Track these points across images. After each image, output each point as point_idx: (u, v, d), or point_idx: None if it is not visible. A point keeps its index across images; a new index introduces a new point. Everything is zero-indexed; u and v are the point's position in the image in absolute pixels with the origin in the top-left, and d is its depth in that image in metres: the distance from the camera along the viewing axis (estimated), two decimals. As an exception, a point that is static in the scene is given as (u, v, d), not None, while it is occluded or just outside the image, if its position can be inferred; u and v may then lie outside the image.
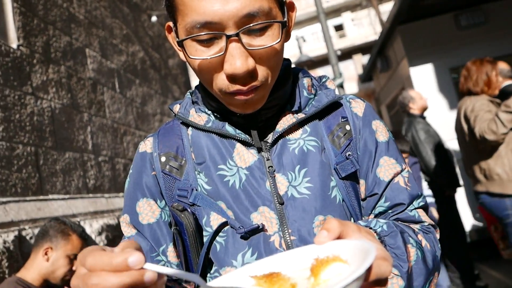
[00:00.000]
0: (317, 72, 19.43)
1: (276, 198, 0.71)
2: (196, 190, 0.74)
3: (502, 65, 2.90)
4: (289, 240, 0.69)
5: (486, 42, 6.31)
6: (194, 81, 9.26)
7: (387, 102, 9.56)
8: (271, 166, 0.73)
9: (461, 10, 6.48)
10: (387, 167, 0.77)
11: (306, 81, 0.81)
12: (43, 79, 3.11)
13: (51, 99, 3.16)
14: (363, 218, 0.76)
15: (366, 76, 10.76)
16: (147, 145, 0.83)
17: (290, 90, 0.79)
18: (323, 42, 15.61)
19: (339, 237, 0.47)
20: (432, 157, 3.48)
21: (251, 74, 0.65)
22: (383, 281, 0.55)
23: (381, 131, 0.80)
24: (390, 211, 0.76)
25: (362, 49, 19.09)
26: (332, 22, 19.60)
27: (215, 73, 0.66)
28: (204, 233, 0.73)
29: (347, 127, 0.78)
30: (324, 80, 0.84)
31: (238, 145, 0.75)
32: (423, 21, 6.65)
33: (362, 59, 18.83)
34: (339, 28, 20.28)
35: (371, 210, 0.77)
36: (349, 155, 0.75)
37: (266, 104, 0.73)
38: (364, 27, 19.56)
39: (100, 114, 3.86)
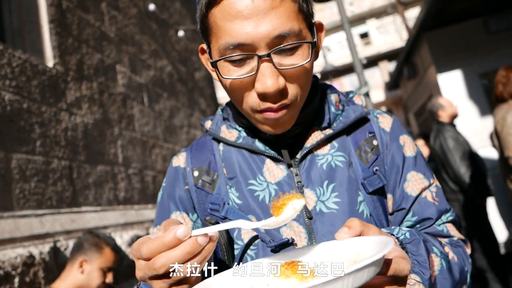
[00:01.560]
0: (342, 81, 19.25)
1: (305, 213, 0.72)
2: (228, 204, 0.77)
3: None
4: None
5: (518, 47, 6.11)
6: (220, 93, 9.38)
7: (415, 109, 9.37)
8: (300, 181, 0.75)
9: (490, 14, 6.32)
10: (415, 182, 0.77)
11: (333, 97, 0.83)
12: (77, 95, 3.24)
13: (84, 115, 3.29)
14: None
15: (393, 84, 10.61)
16: (180, 160, 0.86)
17: (318, 106, 0.81)
18: (348, 51, 15.50)
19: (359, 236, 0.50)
20: (461, 165, 3.40)
21: (282, 93, 0.67)
22: (402, 279, 0.56)
23: (409, 146, 0.81)
24: (417, 225, 0.76)
25: (388, 56, 18.84)
26: (357, 30, 19.48)
27: (246, 91, 0.68)
28: (236, 246, 0.75)
29: (375, 142, 0.79)
30: (351, 95, 0.86)
31: (268, 160, 0.77)
32: (451, 27, 6.52)
33: (388, 66, 18.57)
34: (364, 36, 20.11)
35: (398, 224, 0.77)
36: (376, 170, 0.76)
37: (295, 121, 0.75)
38: (390, 34, 19.32)
39: (130, 128, 3.97)
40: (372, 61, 18.67)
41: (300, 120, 0.76)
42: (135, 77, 4.29)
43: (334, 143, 0.78)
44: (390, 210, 0.78)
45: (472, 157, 3.52)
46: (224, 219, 0.76)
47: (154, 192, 4.16)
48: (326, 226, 0.71)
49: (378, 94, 18.11)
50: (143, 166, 4.07)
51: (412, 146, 0.81)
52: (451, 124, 3.67)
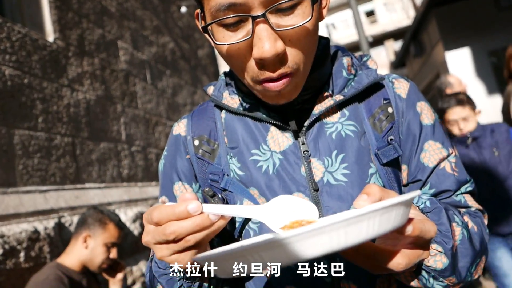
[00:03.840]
0: (347, 60, 19.01)
1: (311, 184, 0.68)
2: (228, 175, 0.73)
3: None
4: None
5: (529, 23, 5.96)
6: (224, 71, 9.29)
7: (421, 88, 9.25)
8: (307, 151, 0.70)
9: (501, -11, 6.14)
10: (432, 152, 0.72)
11: (345, 61, 0.76)
12: (78, 71, 3.19)
13: (86, 91, 3.25)
14: None
15: (398, 62, 10.45)
16: (181, 128, 0.82)
17: (329, 71, 0.75)
18: (354, 29, 15.23)
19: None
20: None
21: (281, 59, 0.60)
22: (426, 243, 0.54)
23: (426, 113, 0.75)
24: (434, 198, 0.73)
25: (394, 35, 18.52)
26: (363, 8, 19.08)
27: (245, 59, 0.62)
28: (237, 219, 0.72)
29: (390, 110, 0.73)
30: (365, 59, 0.79)
31: (273, 128, 0.72)
32: (460, 3, 6.35)
33: (394, 45, 18.27)
34: (370, 14, 19.73)
35: None
36: (391, 139, 0.71)
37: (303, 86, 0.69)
38: (397, 12, 18.94)
39: (133, 105, 3.94)
40: (378, 40, 18.36)
41: (309, 86, 0.71)
42: (137, 54, 4.22)
43: (345, 110, 0.72)
44: (404, 181, 0.74)
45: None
46: (224, 191, 0.73)
47: (158, 170, 4.16)
48: (333, 199, 0.67)
49: (384, 73, 17.88)
50: (146, 144, 4.05)
51: (430, 114, 0.75)
52: None
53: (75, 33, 3.24)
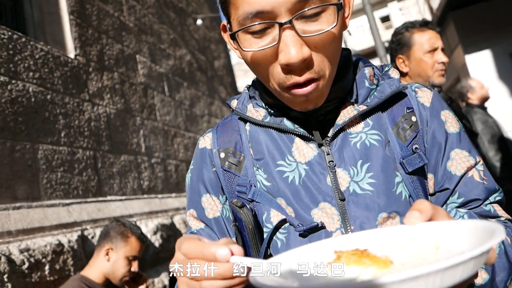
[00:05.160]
0: (363, 66, 18.88)
1: (337, 193, 0.68)
2: (255, 186, 0.74)
3: None
4: None
5: (551, 23, 5.82)
6: (240, 81, 9.35)
7: (440, 94, 9.09)
8: (332, 161, 0.70)
9: (521, -11, 6.01)
10: (459, 160, 0.71)
11: (367, 71, 0.77)
12: (99, 86, 3.26)
13: (106, 105, 3.31)
14: None
15: (416, 67, 10.31)
16: (206, 141, 0.83)
17: (351, 82, 0.75)
18: (369, 35, 15.16)
19: (429, 220, 0.44)
20: (490, 148, 3.31)
21: (307, 64, 0.62)
22: None
23: (451, 122, 0.74)
24: (463, 207, 0.71)
25: (410, 39, 18.34)
26: (378, 14, 18.99)
27: (270, 65, 0.64)
28: (265, 229, 0.72)
29: (413, 119, 0.73)
30: (386, 69, 0.79)
31: (297, 139, 0.73)
32: (478, 5, 6.24)
33: (411, 50, 18.08)
34: (385, 19, 19.61)
35: (441, 205, 0.72)
36: (416, 148, 0.71)
37: (326, 97, 0.70)
38: (413, 16, 18.76)
39: (152, 118, 3.99)
40: (394, 45, 18.20)
41: (332, 96, 0.71)
42: (155, 67, 4.29)
43: (369, 120, 0.73)
44: (431, 190, 0.72)
45: (502, 140, 3.39)
46: (251, 201, 0.73)
47: (177, 181, 4.19)
48: (360, 208, 0.67)
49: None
50: (165, 155, 4.09)
51: (455, 122, 0.75)
52: (481, 107, 3.53)
53: (95, 49, 3.32)
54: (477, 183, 0.70)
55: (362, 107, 0.72)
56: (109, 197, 3.06)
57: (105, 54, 3.45)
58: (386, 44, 6.68)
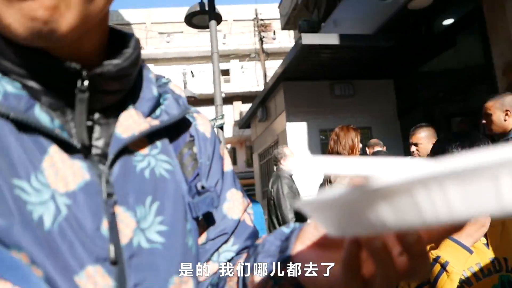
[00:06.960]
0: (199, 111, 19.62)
1: (116, 250, 0.43)
2: None
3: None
4: None
5: (352, 112, 7.15)
6: None
7: (260, 151, 9.95)
8: (112, 194, 0.44)
9: (335, 80, 7.29)
10: (236, 202, 0.60)
11: (152, 75, 0.55)
12: None
13: None
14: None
15: (244, 123, 11.12)
16: None
17: (136, 79, 0.52)
18: (209, 83, 15.86)
19: None
20: (290, 211, 3.76)
21: None
22: None
23: (227, 159, 0.63)
24: (236, 256, 0.57)
25: (243, 97, 19.99)
26: (220, 66, 20.24)
27: None
28: None
29: (195, 149, 0.57)
30: (165, 81, 0.58)
31: (54, 148, 0.42)
32: (306, 82, 7.22)
33: (241, 107, 19.65)
34: (225, 73, 21.03)
35: (211, 253, 0.56)
36: (202, 187, 0.54)
37: (108, 81, 0.45)
38: (249, 77, 20.67)
39: None
40: (227, 98, 19.51)
41: (116, 86, 0.47)
42: None
43: (157, 142, 0.52)
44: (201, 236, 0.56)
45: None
46: None
47: None
48: (144, 272, 0.44)
49: (226, 131, 18.90)
50: None
51: (229, 159, 0.64)
52: (289, 173, 3.97)
53: None
54: (249, 227, 0.60)
55: (154, 122, 0.50)
56: None
57: None
58: (223, 95, 7.03)
